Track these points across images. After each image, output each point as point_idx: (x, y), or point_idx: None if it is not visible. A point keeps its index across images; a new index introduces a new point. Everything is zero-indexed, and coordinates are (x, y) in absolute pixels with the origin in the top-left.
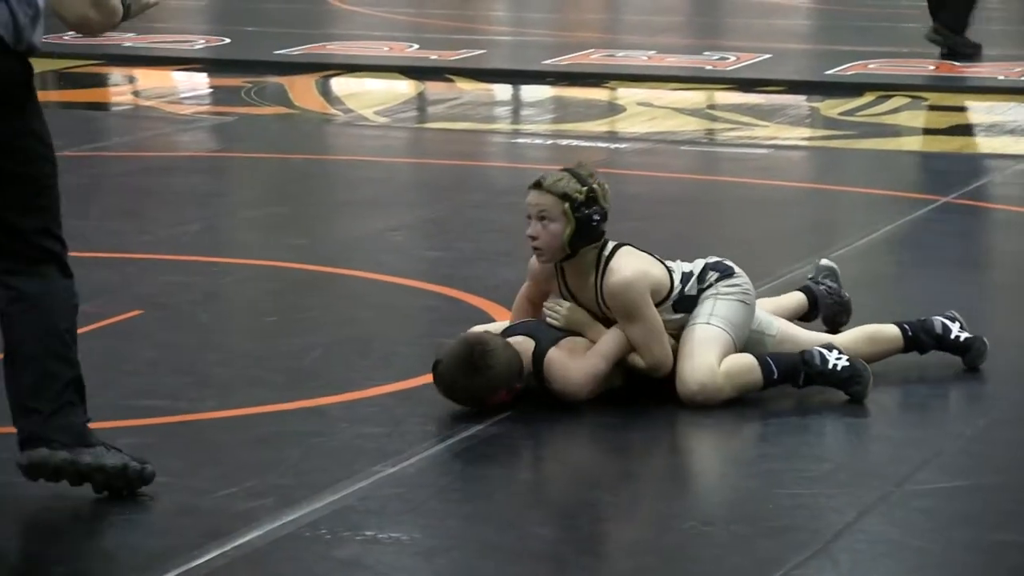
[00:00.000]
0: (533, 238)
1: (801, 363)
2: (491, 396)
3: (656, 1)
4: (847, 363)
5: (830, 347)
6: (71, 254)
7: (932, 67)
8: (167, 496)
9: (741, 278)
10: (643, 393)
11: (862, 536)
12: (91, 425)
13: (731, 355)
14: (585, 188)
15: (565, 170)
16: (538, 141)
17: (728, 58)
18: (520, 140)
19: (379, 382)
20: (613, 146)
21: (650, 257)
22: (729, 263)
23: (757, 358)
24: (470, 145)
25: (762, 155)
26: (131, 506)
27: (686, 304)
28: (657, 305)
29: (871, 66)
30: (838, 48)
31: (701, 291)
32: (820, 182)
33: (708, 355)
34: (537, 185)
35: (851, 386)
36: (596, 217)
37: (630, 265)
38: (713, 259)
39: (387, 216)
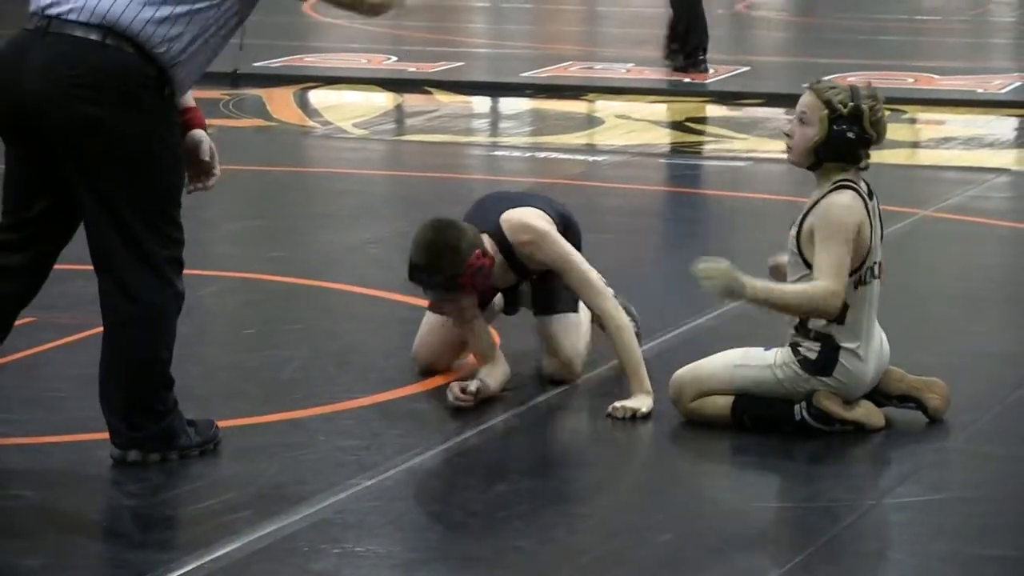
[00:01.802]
0: (788, 136)
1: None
2: (456, 261)
3: (635, 14)
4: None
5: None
6: (55, 266)
7: (911, 80)
8: (146, 508)
9: None
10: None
11: (841, 550)
12: (72, 437)
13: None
14: (852, 104)
15: (850, 86)
16: (516, 153)
17: (707, 71)
18: (498, 152)
19: (357, 394)
20: (591, 158)
21: (868, 217)
22: None
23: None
24: (449, 157)
25: (740, 168)
26: (109, 517)
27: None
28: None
29: (850, 79)
30: (817, 61)
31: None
32: (799, 195)
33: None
34: (810, 85)
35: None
36: (851, 135)
37: (844, 196)
38: None
39: (366, 228)
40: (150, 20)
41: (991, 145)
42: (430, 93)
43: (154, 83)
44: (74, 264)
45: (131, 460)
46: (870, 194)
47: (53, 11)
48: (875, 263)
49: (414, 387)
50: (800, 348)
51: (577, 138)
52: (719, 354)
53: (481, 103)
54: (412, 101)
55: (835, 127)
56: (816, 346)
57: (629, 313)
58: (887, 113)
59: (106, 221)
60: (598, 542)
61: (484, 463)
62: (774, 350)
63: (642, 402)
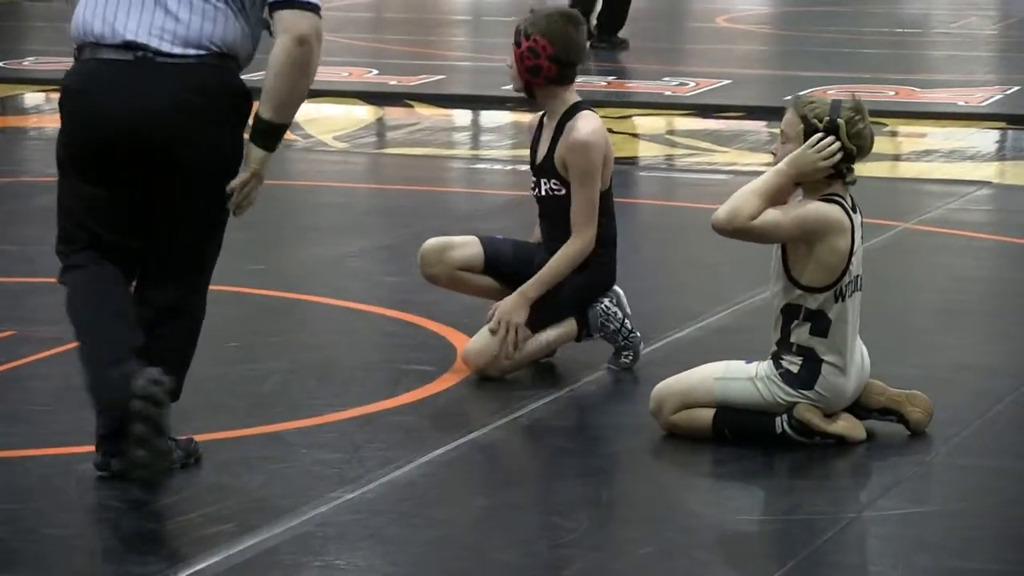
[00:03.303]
0: (774, 153)
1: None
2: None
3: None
4: None
5: None
6: (31, 280)
7: (892, 93)
8: (126, 521)
9: None
10: (601, 419)
11: (822, 563)
12: (52, 450)
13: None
14: (828, 119)
15: (831, 100)
16: (497, 167)
17: (688, 83)
18: (480, 166)
19: (338, 408)
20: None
21: (850, 230)
22: None
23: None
24: (429, 171)
25: (722, 180)
26: (90, 531)
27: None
28: (818, 289)
29: (831, 92)
30: (798, 74)
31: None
32: None
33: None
34: (791, 102)
35: None
36: None
37: (819, 207)
38: None
39: (346, 242)
40: (243, 37)
41: (972, 158)
42: (411, 106)
43: (246, 100)
44: (51, 278)
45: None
46: (854, 207)
47: (148, 40)
48: (855, 277)
49: (395, 400)
50: (782, 361)
51: None
52: (700, 367)
53: (462, 116)
54: (393, 114)
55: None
56: (799, 360)
57: (632, 341)
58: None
59: (195, 234)
60: (579, 555)
61: (466, 476)
62: (756, 363)
63: (508, 313)
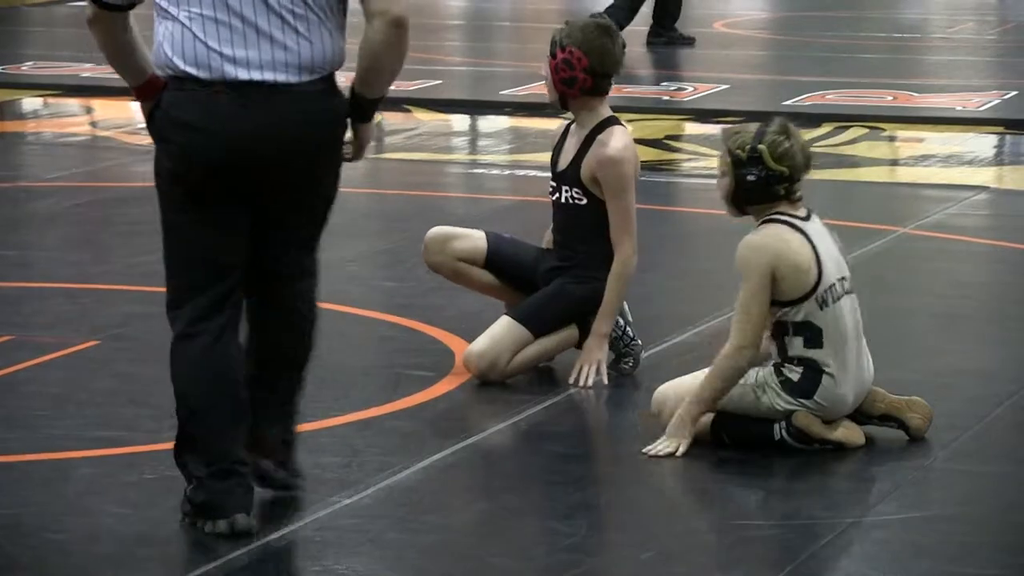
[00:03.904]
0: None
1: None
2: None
3: None
4: None
5: None
6: (29, 284)
7: (890, 98)
8: (125, 527)
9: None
10: (600, 424)
11: (821, 568)
12: (51, 455)
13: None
14: (749, 147)
15: (757, 127)
16: (495, 171)
17: (686, 88)
18: (478, 170)
19: (337, 412)
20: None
21: (800, 239)
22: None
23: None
24: (428, 175)
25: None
26: (89, 536)
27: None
28: (795, 302)
29: (829, 97)
30: (796, 79)
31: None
32: None
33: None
34: (722, 132)
35: None
36: (751, 178)
37: (758, 233)
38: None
39: (344, 246)
40: (339, 50)
41: (970, 163)
42: (409, 111)
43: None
44: (49, 283)
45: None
46: (808, 217)
47: (256, 75)
48: (835, 281)
49: (394, 405)
50: (783, 369)
51: None
52: (701, 371)
53: (460, 121)
54: (391, 119)
55: (737, 173)
56: (799, 369)
57: (634, 349)
58: (794, 140)
59: (303, 251)
60: (578, 560)
61: (464, 481)
62: (755, 369)
63: (591, 353)
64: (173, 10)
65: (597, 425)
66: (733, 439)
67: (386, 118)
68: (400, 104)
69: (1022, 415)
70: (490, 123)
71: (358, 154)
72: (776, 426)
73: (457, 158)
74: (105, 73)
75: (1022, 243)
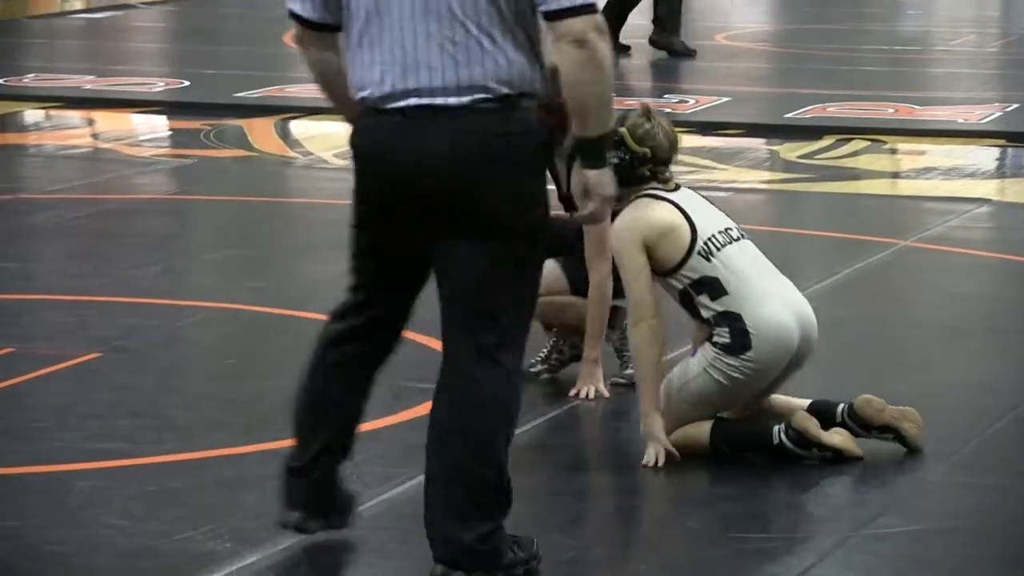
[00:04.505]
0: None
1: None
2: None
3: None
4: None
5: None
6: (30, 296)
7: (892, 110)
8: (125, 539)
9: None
10: (602, 436)
11: None
12: (50, 468)
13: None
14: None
15: (624, 111)
16: None
17: (687, 101)
18: None
19: None
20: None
21: (664, 204)
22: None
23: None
24: None
25: (721, 198)
26: (89, 548)
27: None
28: (681, 263)
29: (830, 109)
30: (797, 91)
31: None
32: (779, 225)
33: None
34: None
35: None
36: (616, 160)
37: (623, 214)
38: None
39: (345, 259)
40: (520, 69)
41: (972, 175)
42: None
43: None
44: (51, 295)
45: None
46: (676, 188)
47: (412, 99)
48: (716, 232)
49: (395, 417)
50: (714, 336)
51: None
52: (662, 385)
53: None
54: None
55: None
56: (724, 329)
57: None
58: (661, 123)
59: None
60: (579, 572)
61: None
62: (699, 353)
63: (586, 379)
64: (352, 38)
65: (598, 437)
66: (732, 447)
67: None
68: None
69: (1023, 428)
70: None
71: (590, 211)
72: (775, 429)
73: None
74: (107, 85)
75: None
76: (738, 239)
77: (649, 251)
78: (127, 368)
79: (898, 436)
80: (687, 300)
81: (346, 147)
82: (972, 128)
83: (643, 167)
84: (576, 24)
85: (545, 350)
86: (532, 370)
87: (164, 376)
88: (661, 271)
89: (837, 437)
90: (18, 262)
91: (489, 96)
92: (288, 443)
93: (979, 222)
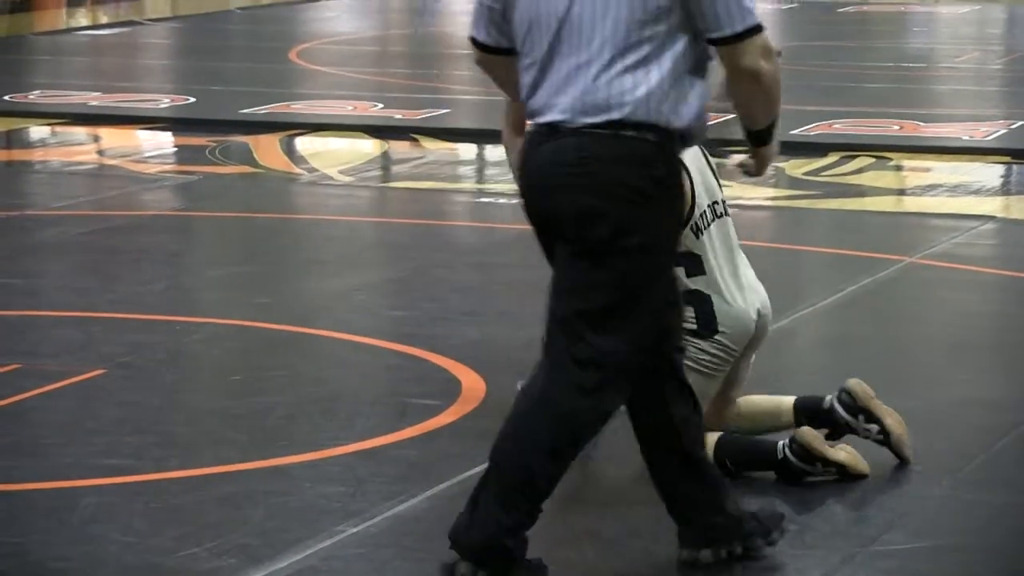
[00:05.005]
0: None
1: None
2: None
3: None
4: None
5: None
6: (36, 313)
7: (897, 127)
8: (130, 555)
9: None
10: (606, 451)
11: None
12: (56, 484)
13: None
14: None
15: None
16: (503, 200)
17: None
18: (484, 199)
19: (343, 441)
20: None
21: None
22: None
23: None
24: (434, 204)
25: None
26: (94, 565)
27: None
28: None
29: (836, 126)
30: (803, 108)
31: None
32: (784, 242)
33: None
34: None
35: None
36: None
37: None
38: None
39: (351, 275)
40: (666, 95)
41: (977, 192)
42: (416, 140)
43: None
44: (56, 311)
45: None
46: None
47: (558, 116)
48: (709, 205)
49: (400, 434)
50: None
51: None
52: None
53: (467, 150)
54: (398, 148)
55: None
56: (691, 311)
57: None
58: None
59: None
60: None
61: None
62: None
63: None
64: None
65: (603, 452)
66: (736, 463)
67: (393, 147)
68: (407, 133)
69: None
70: (497, 152)
71: (757, 170)
72: (780, 444)
73: (464, 187)
74: (112, 102)
75: None
76: (721, 215)
77: None
78: (132, 384)
79: (882, 430)
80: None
81: (354, 163)
82: (977, 145)
83: None
84: (743, 53)
85: None
86: None
87: (169, 392)
88: None
89: (842, 453)
90: (24, 278)
91: (612, 119)
92: (294, 459)
93: (984, 239)
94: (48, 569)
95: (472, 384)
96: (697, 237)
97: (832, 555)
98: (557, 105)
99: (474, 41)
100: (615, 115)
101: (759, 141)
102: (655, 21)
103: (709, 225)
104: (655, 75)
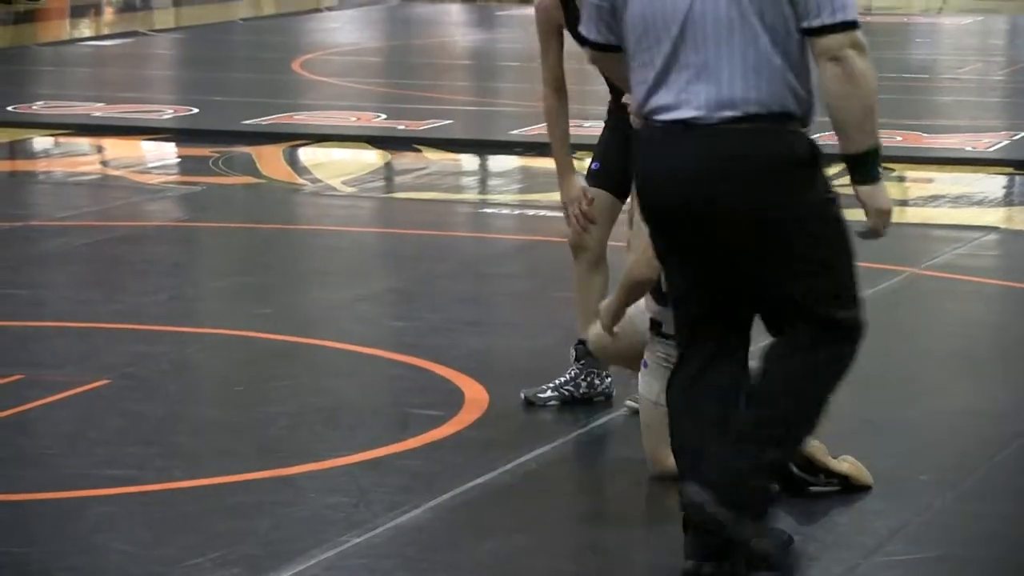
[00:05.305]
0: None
1: None
2: None
3: None
4: None
5: None
6: (40, 324)
7: (899, 138)
8: (135, 566)
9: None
10: (610, 464)
11: None
12: (61, 494)
13: None
14: None
15: None
16: (505, 211)
17: None
18: (487, 210)
19: (346, 451)
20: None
21: None
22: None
23: None
24: (437, 215)
25: None
26: (95, 575)
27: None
28: None
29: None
30: None
31: None
32: None
33: (659, 445)
34: None
35: None
36: None
37: None
38: None
39: (354, 286)
40: (789, 89)
41: (980, 203)
42: (419, 151)
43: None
44: (60, 322)
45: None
46: None
47: (689, 112)
48: None
49: (403, 444)
50: (662, 328)
51: None
52: (641, 409)
53: (470, 161)
54: (401, 159)
55: None
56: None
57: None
58: None
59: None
60: None
61: (473, 521)
62: (646, 355)
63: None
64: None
65: (604, 465)
66: None
67: (395, 158)
68: (410, 144)
69: None
70: (499, 163)
71: (874, 224)
72: None
73: (467, 198)
74: (116, 112)
75: None
76: None
77: None
78: (136, 395)
79: (843, 481)
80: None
81: (357, 174)
82: (980, 156)
83: None
84: (834, 40)
85: (562, 379)
86: (542, 396)
87: (173, 403)
88: None
89: (845, 465)
90: (28, 289)
91: (740, 115)
92: (297, 469)
93: (987, 250)
94: None
95: (475, 395)
96: None
97: (835, 565)
98: (690, 102)
99: (586, 40)
100: (752, 109)
101: (861, 175)
102: (774, 13)
103: None
104: (780, 66)
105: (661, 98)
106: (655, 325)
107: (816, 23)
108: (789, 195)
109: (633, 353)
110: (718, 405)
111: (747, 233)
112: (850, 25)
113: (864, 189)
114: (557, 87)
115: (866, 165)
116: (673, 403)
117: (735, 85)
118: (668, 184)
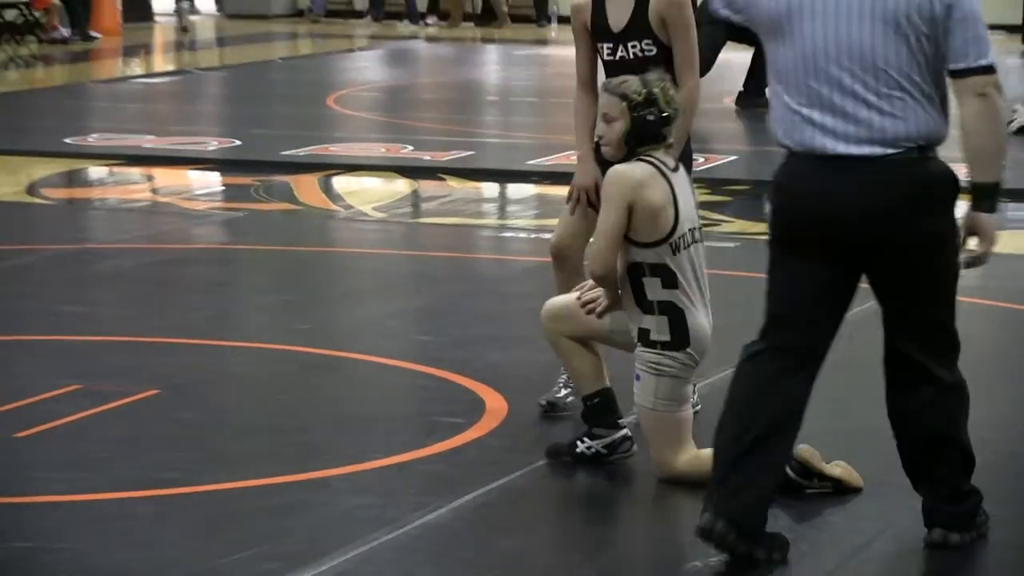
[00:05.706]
0: (600, 136)
1: None
2: None
3: None
4: None
5: None
6: (97, 338)
7: None
8: (186, 559)
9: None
10: (624, 466)
11: None
12: (117, 495)
13: (692, 451)
14: (644, 91)
15: (638, 77)
16: (523, 235)
17: (696, 159)
18: (506, 234)
19: (376, 456)
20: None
21: (664, 185)
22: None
23: None
24: (460, 239)
25: (731, 248)
26: (148, 569)
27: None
28: (651, 245)
29: None
30: None
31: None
32: None
33: (663, 449)
34: (604, 88)
35: None
36: (651, 117)
37: (628, 164)
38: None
39: (384, 304)
40: (930, 123)
41: None
42: (443, 179)
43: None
44: (113, 337)
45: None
46: (676, 168)
47: (836, 146)
48: (688, 230)
49: (428, 449)
50: (650, 337)
51: None
52: (641, 418)
53: (490, 189)
54: (427, 187)
55: (636, 115)
56: (664, 320)
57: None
58: None
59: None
60: None
61: (493, 519)
62: (637, 366)
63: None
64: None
65: (618, 468)
66: None
67: (422, 186)
68: (435, 173)
69: (1007, 471)
70: (518, 191)
71: (982, 249)
72: None
73: (487, 223)
74: (165, 144)
75: (1017, 304)
76: (697, 241)
77: (629, 215)
78: (183, 404)
79: (835, 484)
80: (637, 273)
81: (386, 201)
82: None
83: (665, 128)
84: (979, 80)
85: (567, 375)
86: (558, 396)
87: (217, 411)
88: (631, 238)
89: (838, 469)
90: (84, 306)
91: (891, 151)
92: (332, 472)
93: (972, 271)
94: (109, 572)
95: (495, 404)
96: (675, 254)
97: (825, 562)
98: (849, 136)
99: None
100: (910, 142)
101: (989, 204)
102: (922, 51)
103: (688, 247)
104: (930, 99)
105: (810, 133)
106: (643, 335)
107: (963, 65)
108: (948, 215)
109: (583, 332)
110: (782, 410)
111: (919, 259)
112: (991, 69)
113: (984, 217)
114: (586, 84)
115: (993, 196)
116: (737, 390)
117: (892, 119)
118: (848, 211)
